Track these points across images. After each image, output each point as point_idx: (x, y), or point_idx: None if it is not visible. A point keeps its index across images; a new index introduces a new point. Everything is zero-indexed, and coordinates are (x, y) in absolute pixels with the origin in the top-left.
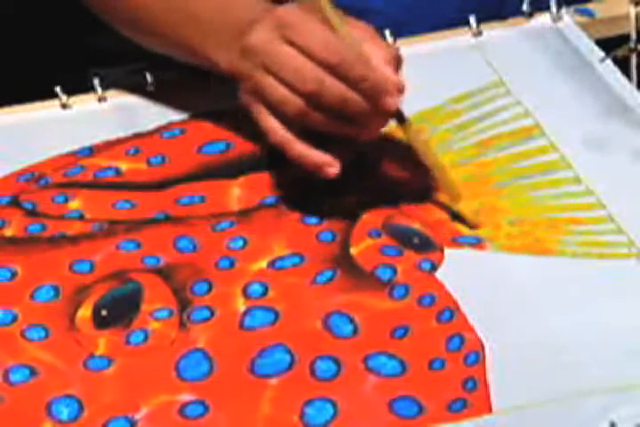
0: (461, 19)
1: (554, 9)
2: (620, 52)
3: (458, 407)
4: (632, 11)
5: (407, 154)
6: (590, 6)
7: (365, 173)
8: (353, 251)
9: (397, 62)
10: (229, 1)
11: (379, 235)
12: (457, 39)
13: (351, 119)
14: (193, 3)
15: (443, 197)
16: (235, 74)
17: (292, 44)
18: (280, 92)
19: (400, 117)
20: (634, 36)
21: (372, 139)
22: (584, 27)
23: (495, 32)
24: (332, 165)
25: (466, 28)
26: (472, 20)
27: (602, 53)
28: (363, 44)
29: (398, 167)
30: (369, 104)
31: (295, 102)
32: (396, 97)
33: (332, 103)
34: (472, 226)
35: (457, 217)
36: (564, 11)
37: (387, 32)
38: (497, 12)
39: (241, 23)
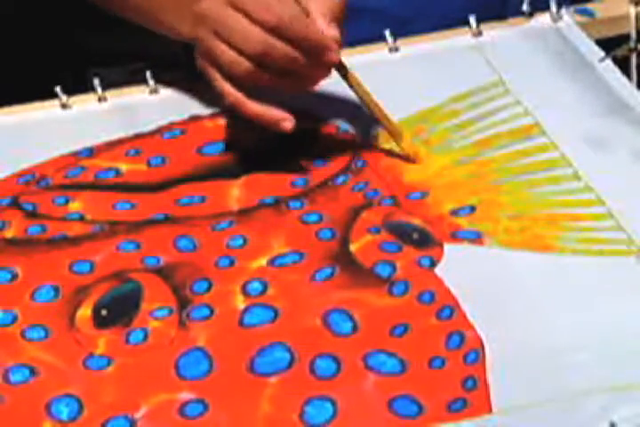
0: (464, 18)
1: (554, 9)
2: (620, 52)
3: (457, 407)
4: (632, 11)
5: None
6: (590, 6)
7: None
8: (352, 248)
9: (336, 12)
10: None
11: (378, 231)
12: (457, 39)
13: (296, 75)
14: None
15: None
16: (191, 40)
17: (237, 9)
18: (229, 55)
19: (339, 67)
20: (634, 35)
21: (312, 87)
22: (584, 27)
23: (495, 32)
24: (286, 119)
25: (466, 28)
26: (472, 19)
27: (602, 53)
28: None
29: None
30: (312, 60)
31: (244, 64)
32: (336, 51)
33: (278, 62)
34: (411, 161)
35: (454, 214)
36: (563, 11)
37: (387, 32)
38: (499, 11)
39: None
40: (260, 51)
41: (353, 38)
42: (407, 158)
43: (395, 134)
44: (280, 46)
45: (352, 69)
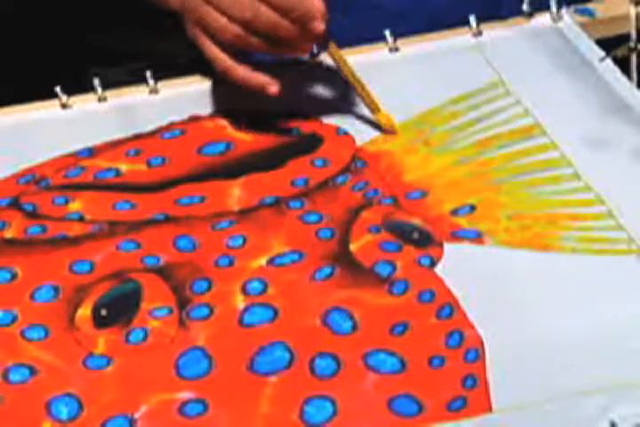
0: (458, 10)
1: (554, 9)
2: (620, 52)
3: (457, 406)
4: (632, 11)
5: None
6: (590, 6)
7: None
8: (352, 247)
9: None
10: None
11: (378, 231)
12: (457, 39)
13: (283, 42)
14: None
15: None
16: (182, 9)
17: None
18: (219, 20)
19: (323, 39)
20: (634, 35)
21: (302, 55)
22: (584, 27)
23: (495, 32)
24: (272, 84)
25: (466, 28)
26: (472, 19)
27: (602, 53)
28: None
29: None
30: (298, 29)
31: (233, 29)
32: (321, 22)
33: (266, 29)
34: (388, 132)
35: (454, 213)
36: (564, 11)
37: (387, 32)
38: (494, 3)
39: None
40: (249, 17)
41: (350, 32)
42: (384, 129)
43: (371, 106)
44: (268, 13)
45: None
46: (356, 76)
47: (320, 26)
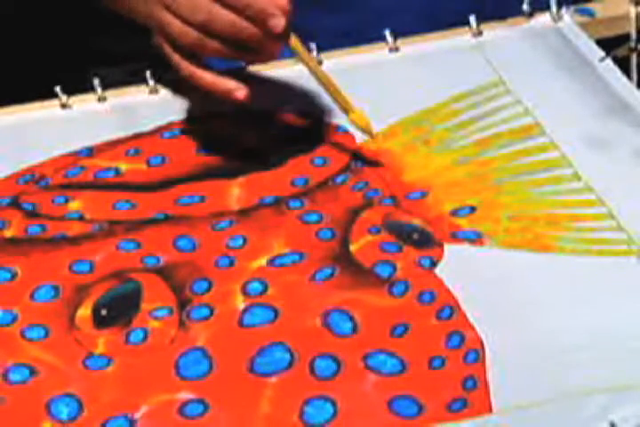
0: (446, 9)
1: (554, 9)
2: (620, 52)
3: (457, 407)
4: (632, 11)
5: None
6: (590, 6)
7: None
8: (352, 248)
9: None
10: None
11: (378, 231)
12: (457, 39)
13: (246, 45)
14: None
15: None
16: (146, 17)
17: None
18: (176, 25)
19: (285, 37)
20: (634, 35)
21: (268, 61)
22: (584, 27)
23: (495, 32)
24: (239, 89)
25: (466, 28)
26: (472, 19)
27: (602, 53)
28: None
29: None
30: (258, 29)
31: (191, 33)
32: (281, 18)
33: (224, 31)
34: (367, 134)
35: (454, 214)
36: (564, 11)
37: (387, 32)
38: (480, 2)
39: None
40: (204, 19)
41: (335, 31)
42: (360, 130)
43: (343, 106)
44: (225, 14)
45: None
46: (322, 73)
47: (280, 23)
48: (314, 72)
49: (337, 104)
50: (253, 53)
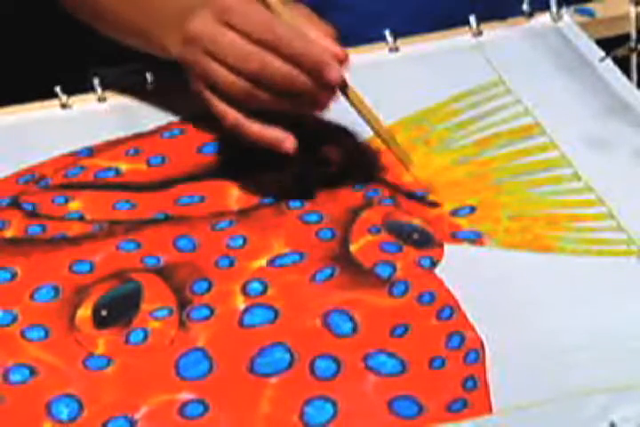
0: (435, 8)
1: (554, 9)
2: (620, 52)
3: (458, 407)
4: (632, 11)
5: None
6: (590, 6)
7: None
8: (352, 248)
9: (334, 38)
10: None
11: (378, 231)
12: (457, 39)
13: (298, 95)
14: None
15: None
16: (182, 61)
17: (231, 27)
18: (225, 75)
19: (343, 86)
20: (634, 35)
21: (322, 111)
22: (584, 27)
23: (495, 32)
24: (287, 139)
25: (466, 28)
26: (472, 19)
27: (602, 53)
28: (300, 22)
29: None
30: (312, 78)
31: (241, 85)
32: (337, 69)
33: (276, 81)
34: (429, 191)
35: (454, 214)
36: (564, 10)
37: (387, 32)
38: (470, 5)
39: (184, 10)
40: (255, 69)
41: None
42: (422, 184)
43: (403, 159)
44: (278, 64)
45: (355, 84)
46: (384, 126)
47: (336, 74)
48: (372, 126)
49: (396, 157)
50: (306, 104)
